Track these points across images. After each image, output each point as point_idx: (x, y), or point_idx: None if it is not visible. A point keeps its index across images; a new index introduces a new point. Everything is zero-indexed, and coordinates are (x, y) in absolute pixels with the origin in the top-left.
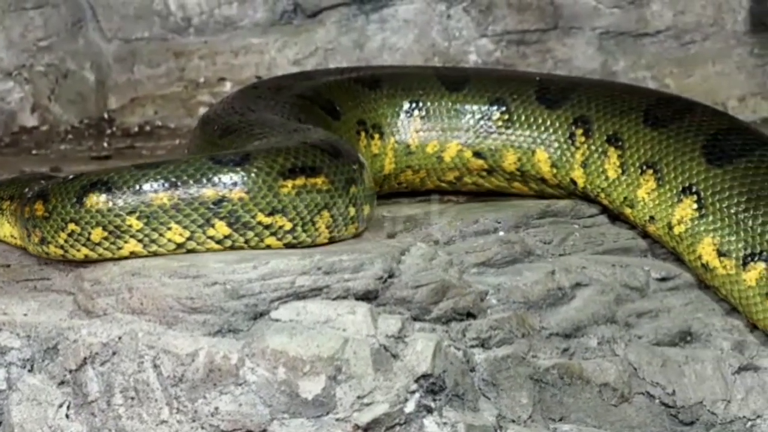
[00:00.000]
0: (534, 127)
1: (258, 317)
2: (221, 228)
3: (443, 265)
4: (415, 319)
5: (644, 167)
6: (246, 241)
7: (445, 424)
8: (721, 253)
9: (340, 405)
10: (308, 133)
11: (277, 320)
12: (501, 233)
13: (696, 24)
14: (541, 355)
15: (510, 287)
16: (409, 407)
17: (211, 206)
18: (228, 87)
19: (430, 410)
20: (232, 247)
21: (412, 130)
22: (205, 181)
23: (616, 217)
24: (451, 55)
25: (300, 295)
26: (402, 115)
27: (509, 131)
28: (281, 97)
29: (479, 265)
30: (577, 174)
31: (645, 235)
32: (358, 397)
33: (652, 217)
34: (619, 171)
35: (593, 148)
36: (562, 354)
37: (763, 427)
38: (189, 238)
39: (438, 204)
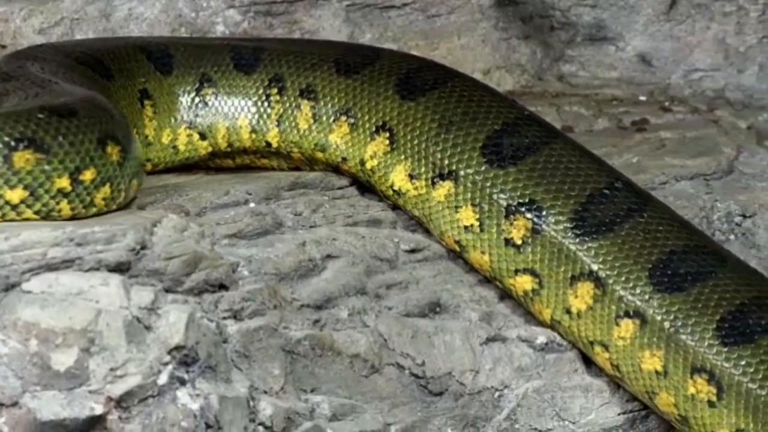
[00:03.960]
0: (236, 96)
1: (9, 289)
2: None
3: (195, 237)
4: (168, 290)
5: (338, 114)
6: None
7: (198, 395)
8: (412, 177)
9: (93, 377)
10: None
11: (28, 292)
12: (252, 205)
13: None
14: (293, 326)
15: (261, 259)
16: (162, 379)
17: None
18: None
19: (183, 382)
20: None
21: (145, 120)
22: None
23: (365, 188)
24: (198, 25)
25: (52, 267)
26: (135, 104)
27: (219, 105)
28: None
29: (230, 237)
30: (272, 134)
31: (395, 207)
32: (111, 369)
33: (344, 158)
34: (311, 121)
35: (287, 105)
36: (314, 325)
37: (510, 397)
38: None
39: (188, 175)
